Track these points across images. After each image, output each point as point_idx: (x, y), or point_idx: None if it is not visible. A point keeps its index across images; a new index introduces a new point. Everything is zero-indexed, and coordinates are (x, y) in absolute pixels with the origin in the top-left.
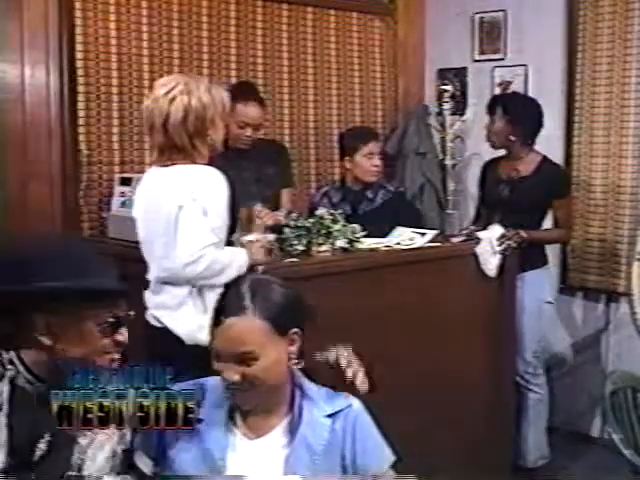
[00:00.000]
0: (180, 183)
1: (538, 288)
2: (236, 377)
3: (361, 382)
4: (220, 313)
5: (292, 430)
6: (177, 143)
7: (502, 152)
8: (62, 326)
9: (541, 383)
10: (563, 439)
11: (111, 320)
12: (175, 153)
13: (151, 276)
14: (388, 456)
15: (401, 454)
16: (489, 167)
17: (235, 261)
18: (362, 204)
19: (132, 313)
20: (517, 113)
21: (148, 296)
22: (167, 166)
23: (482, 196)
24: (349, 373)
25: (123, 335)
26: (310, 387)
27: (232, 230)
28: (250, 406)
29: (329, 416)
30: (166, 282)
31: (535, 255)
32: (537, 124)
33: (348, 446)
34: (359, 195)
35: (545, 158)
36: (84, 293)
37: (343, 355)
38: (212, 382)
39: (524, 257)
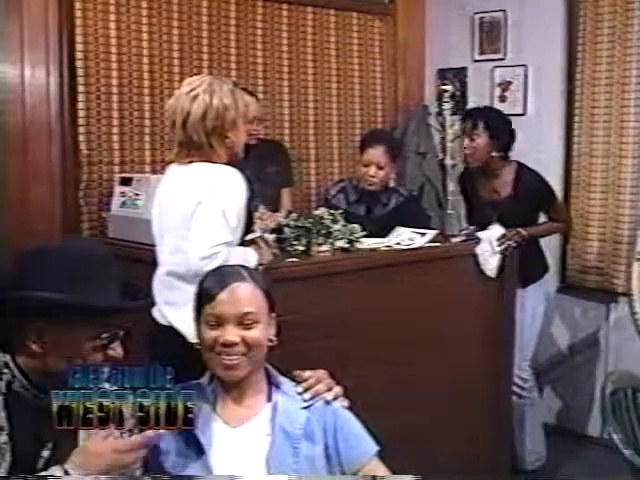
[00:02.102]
0: (200, 180)
1: (536, 296)
2: (237, 338)
3: (341, 401)
4: (212, 291)
5: (271, 420)
6: (195, 140)
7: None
8: (53, 336)
9: (530, 387)
10: (563, 439)
11: (104, 336)
12: (192, 150)
13: (162, 270)
14: (371, 445)
15: (400, 453)
16: (467, 180)
17: (245, 261)
18: (377, 207)
19: (129, 325)
20: (498, 128)
21: (157, 290)
22: (186, 164)
23: (469, 209)
24: (329, 397)
25: (116, 351)
26: (285, 384)
27: (246, 231)
28: (240, 376)
29: (305, 408)
30: (176, 277)
31: (537, 268)
32: (513, 138)
33: (330, 439)
34: (374, 198)
35: (520, 167)
36: (78, 308)
37: (321, 380)
38: (197, 381)
39: (527, 271)
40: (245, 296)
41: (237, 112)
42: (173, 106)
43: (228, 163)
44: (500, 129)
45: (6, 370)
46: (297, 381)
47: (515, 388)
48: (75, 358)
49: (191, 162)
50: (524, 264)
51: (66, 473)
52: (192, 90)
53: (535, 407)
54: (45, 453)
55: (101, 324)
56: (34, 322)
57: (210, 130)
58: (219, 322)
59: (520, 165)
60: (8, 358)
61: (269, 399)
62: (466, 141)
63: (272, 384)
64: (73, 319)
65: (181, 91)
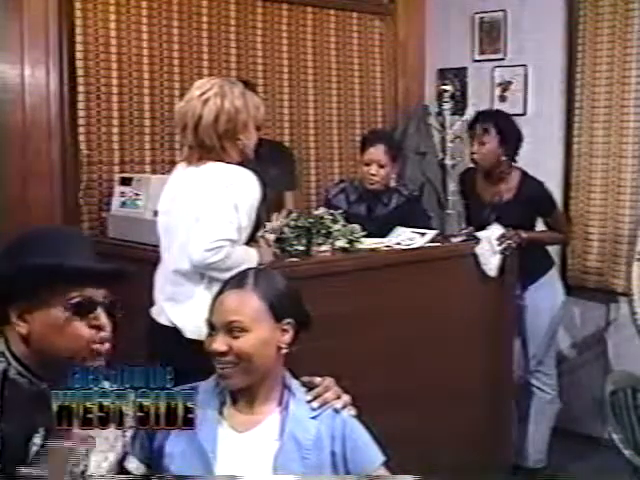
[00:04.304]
0: (214, 178)
1: (552, 290)
2: (223, 347)
3: (348, 409)
4: (222, 289)
5: (280, 425)
6: (207, 143)
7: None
8: (32, 311)
9: (552, 384)
10: (564, 439)
11: (80, 301)
12: (204, 153)
13: (169, 267)
14: (378, 455)
15: (400, 453)
16: (467, 180)
17: (247, 261)
18: (377, 207)
19: (114, 298)
20: (508, 132)
21: (160, 286)
22: (198, 165)
23: (467, 212)
24: (338, 405)
25: (100, 320)
26: (299, 388)
27: (253, 234)
28: (237, 384)
29: (314, 418)
30: (180, 274)
31: (539, 263)
32: (520, 141)
33: (338, 447)
34: (374, 198)
35: (525, 174)
36: (44, 269)
37: (330, 388)
38: (204, 384)
39: (529, 268)
40: (233, 304)
41: (248, 114)
42: (184, 110)
43: (240, 164)
44: (510, 133)
45: (1, 358)
46: (307, 387)
47: (534, 381)
48: (60, 333)
49: (204, 163)
50: (528, 261)
51: None
52: (203, 94)
53: (549, 406)
54: (37, 440)
55: (75, 288)
56: (17, 304)
57: (222, 133)
58: (212, 329)
59: (525, 173)
60: (3, 346)
61: (280, 403)
62: (475, 146)
63: (285, 387)
64: (47, 288)
65: (192, 94)
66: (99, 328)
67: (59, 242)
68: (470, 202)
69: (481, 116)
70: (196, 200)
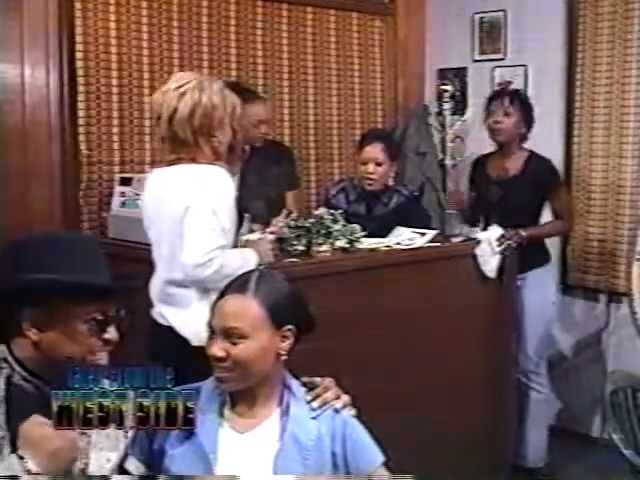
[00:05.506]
0: (187, 183)
1: (542, 287)
2: (220, 353)
3: (348, 409)
4: (224, 293)
5: (281, 426)
6: (180, 137)
7: (491, 148)
8: (48, 321)
9: (544, 382)
10: (563, 439)
11: (99, 318)
12: (177, 147)
13: (160, 278)
14: (378, 455)
15: (400, 453)
16: (478, 165)
17: (245, 265)
18: (377, 207)
19: (123, 311)
20: (528, 107)
21: (155, 294)
22: (172, 164)
23: (474, 197)
24: (338, 405)
25: (111, 334)
26: (299, 388)
27: (238, 230)
28: (233, 388)
29: (314, 418)
30: (174, 284)
31: (537, 254)
32: (532, 125)
33: (338, 447)
34: (374, 198)
35: (532, 153)
36: (70, 287)
37: (329, 388)
38: (204, 385)
39: (526, 256)
40: (233, 310)
41: (225, 111)
42: (159, 101)
43: (214, 163)
44: (530, 111)
45: (4, 364)
46: (307, 387)
47: (525, 380)
48: (72, 344)
49: (176, 160)
50: (524, 250)
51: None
52: (180, 86)
53: (544, 404)
54: None
55: (95, 304)
56: (28, 308)
57: (197, 128)
58: (212, 332)
59: (532, 152)
60: (5, 352)
61: (280, 403)
62: (500, 116)
63: (286, 387)
64: (67, 301)
65: (168, 87)
66: (109, 343)
67: (77, 255)
68: (478, 183)
69: (507, 91)
70: (171, 210)
